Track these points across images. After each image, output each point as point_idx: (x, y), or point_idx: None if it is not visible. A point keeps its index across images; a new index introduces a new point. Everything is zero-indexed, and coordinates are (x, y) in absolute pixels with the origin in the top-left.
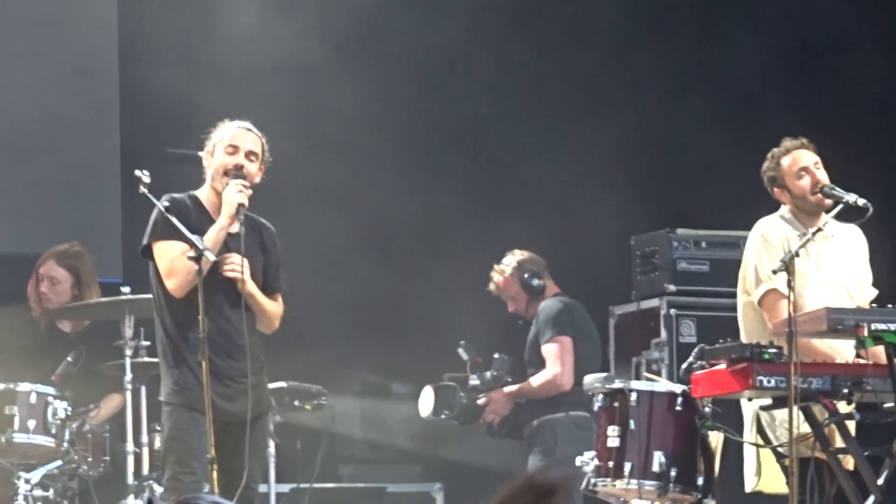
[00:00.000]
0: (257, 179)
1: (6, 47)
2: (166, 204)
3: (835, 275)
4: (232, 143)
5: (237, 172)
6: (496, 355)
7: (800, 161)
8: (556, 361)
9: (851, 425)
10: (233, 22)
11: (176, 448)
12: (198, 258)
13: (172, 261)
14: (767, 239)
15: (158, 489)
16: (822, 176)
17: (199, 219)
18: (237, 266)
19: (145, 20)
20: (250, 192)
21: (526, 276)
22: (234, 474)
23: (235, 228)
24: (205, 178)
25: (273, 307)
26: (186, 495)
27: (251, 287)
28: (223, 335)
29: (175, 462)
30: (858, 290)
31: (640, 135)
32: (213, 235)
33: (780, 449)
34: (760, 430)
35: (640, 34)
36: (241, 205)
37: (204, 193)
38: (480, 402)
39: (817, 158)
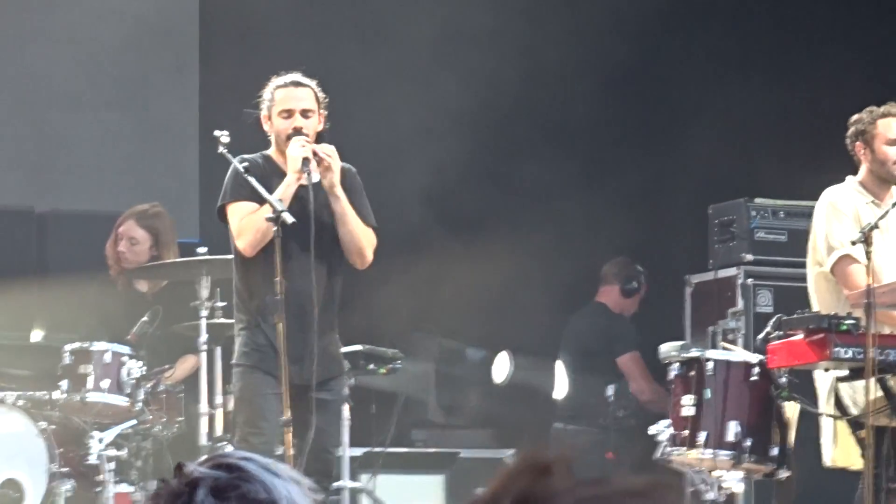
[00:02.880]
0: (321, 127)
1: (89, 7)
2: (246, 164)
3: None
4: (285, 108)
5: (298, 134)
6: None
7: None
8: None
9: None
10: None
11: (245, 410)
12: (276, 219)
13: (241, 220)
14: (837, 206)
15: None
16: None
17: (273, 176)
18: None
19: None
20: (313, 144)
21: None
22: (306, 438)
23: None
24: (269, 140)
25: (364, 231)
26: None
27: (340, 194)
28: (295, 297)
29: (244, 423)
30: None
31: (719, 103)
32: (280, 193)
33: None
34: (838, 402)
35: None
36: (305, 159)
37: (274, 151)
38: None
39: None
